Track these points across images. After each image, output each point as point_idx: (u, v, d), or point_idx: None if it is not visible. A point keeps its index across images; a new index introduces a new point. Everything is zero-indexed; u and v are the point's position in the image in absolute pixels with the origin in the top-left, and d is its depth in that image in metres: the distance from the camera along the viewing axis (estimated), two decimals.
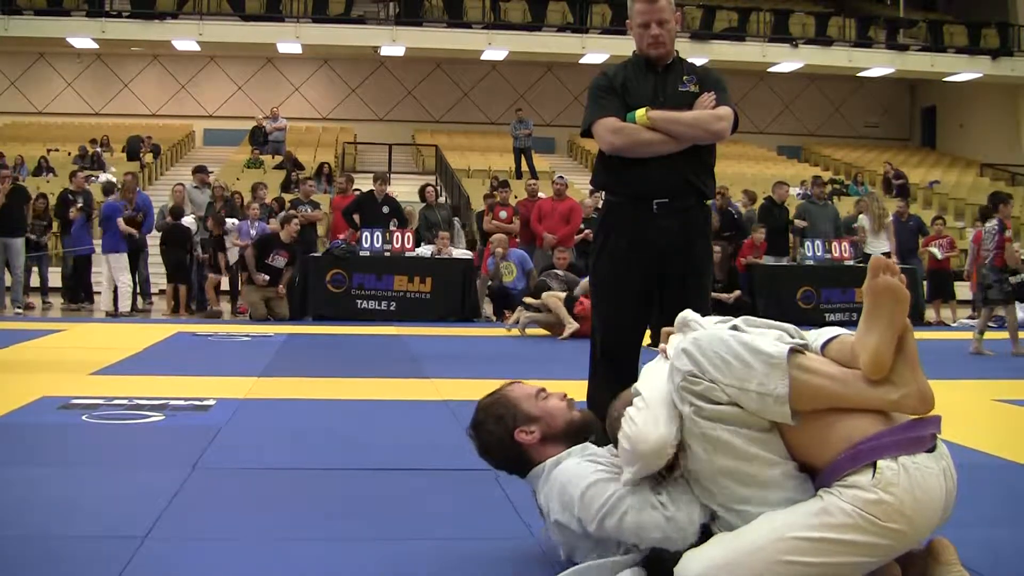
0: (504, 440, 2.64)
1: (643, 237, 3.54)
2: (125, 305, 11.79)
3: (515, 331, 9.96)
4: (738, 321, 2.49)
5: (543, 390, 2.71)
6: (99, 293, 12.77)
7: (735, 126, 3.60)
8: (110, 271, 11.92)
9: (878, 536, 2.15)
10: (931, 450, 2.23)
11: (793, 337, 2.41)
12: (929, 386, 2.25)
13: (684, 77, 3.62)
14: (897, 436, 2.20)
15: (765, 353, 2.25)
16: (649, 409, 2.32)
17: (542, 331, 9.93)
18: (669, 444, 2.28)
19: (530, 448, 2.62)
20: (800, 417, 2.23)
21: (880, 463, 2.16)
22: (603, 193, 3.83)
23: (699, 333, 2.35)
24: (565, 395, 2.73)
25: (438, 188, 21.20)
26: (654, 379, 2.42)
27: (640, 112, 3.47)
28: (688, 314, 2.55)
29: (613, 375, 3.57)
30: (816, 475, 2.26)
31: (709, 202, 3.77)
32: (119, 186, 12.88)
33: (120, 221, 11.82)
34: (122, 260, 11.88)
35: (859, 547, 2.16)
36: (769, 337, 2.34)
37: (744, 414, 2.24)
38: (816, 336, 2.43)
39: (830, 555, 2.16)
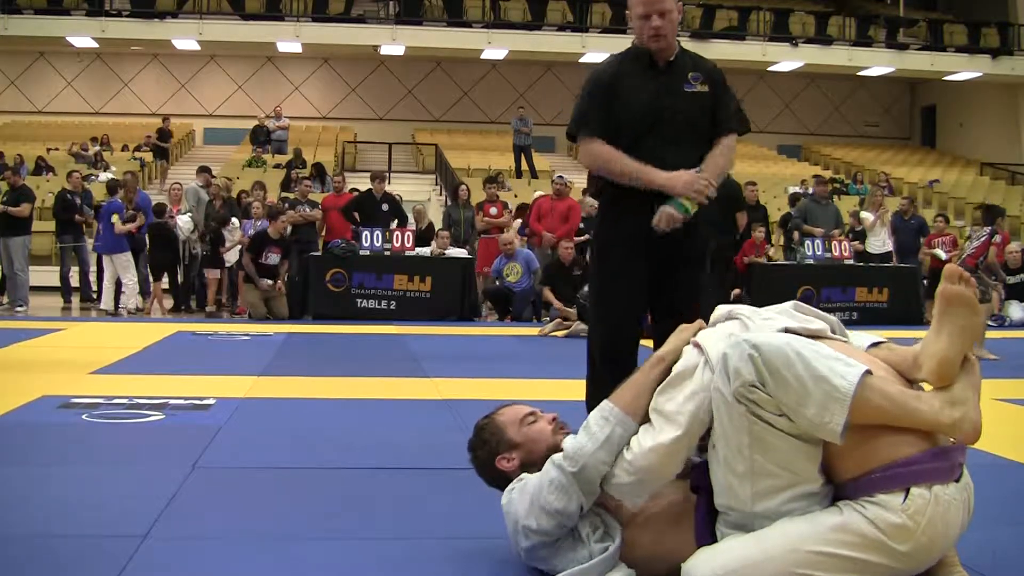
0: (488, 465, 2.67)
1: (642, 240, 3.47)
2: (131, 303, 11.86)
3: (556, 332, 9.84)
4: (788, 306, 2.45)
5: (532, 413, 2.67)
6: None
7: (745, 123, 3.58)
8: (113, 270, 11.96)
9: (890, 559, 2.14)
10: (957, 479, 2.21)
11: (835, 332, 2.39)
12: (981, 418, 2.19)
13: (690, 75, 3.48)
14: (934, 463, 2.16)
15: (829, 384, 2.12)
16: (656, 431, 2.29)
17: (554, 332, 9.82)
18: (676, 461, 2.28)
19: (511, 475, 2.62)
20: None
21: (914, 490, 2.13)
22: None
23: (761, 339, 2.20)
24: (555, 417, 2.68)
25: (438, 189, 21.26)
26: (674, 394, 2.33)
27: (689, 205, 3.40)
28: (729, 307, 2.49)
29: (611, 376, 3.53)
30: (839, 484, 2.22)
31: None
32: (123, 184, 12.91)
33: (117, 221, 11.84)
34: (126, 259, 11.92)
35: (871, 567, 2.14)
36: (830, 352, 2.21)
37: (794, 427, 2.16)
38: (859, 340, 2.39)
39: (842, 571, 2.14)
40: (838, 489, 2.22)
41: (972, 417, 2.17)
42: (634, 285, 3.53)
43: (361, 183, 15.21)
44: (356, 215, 12.10)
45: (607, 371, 3.54)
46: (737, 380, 2.16)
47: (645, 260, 3.50)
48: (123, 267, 11.92)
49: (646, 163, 3.42)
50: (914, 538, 2.12)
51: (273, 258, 11.20)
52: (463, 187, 13.63)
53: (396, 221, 12.07)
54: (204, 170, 13.76)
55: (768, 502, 2.20)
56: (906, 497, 2.12)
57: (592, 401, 3.60)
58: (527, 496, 2.43)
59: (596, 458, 2.31)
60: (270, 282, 11.12)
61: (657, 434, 2.28)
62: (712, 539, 2.32)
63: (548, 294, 10.40)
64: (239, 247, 12.04)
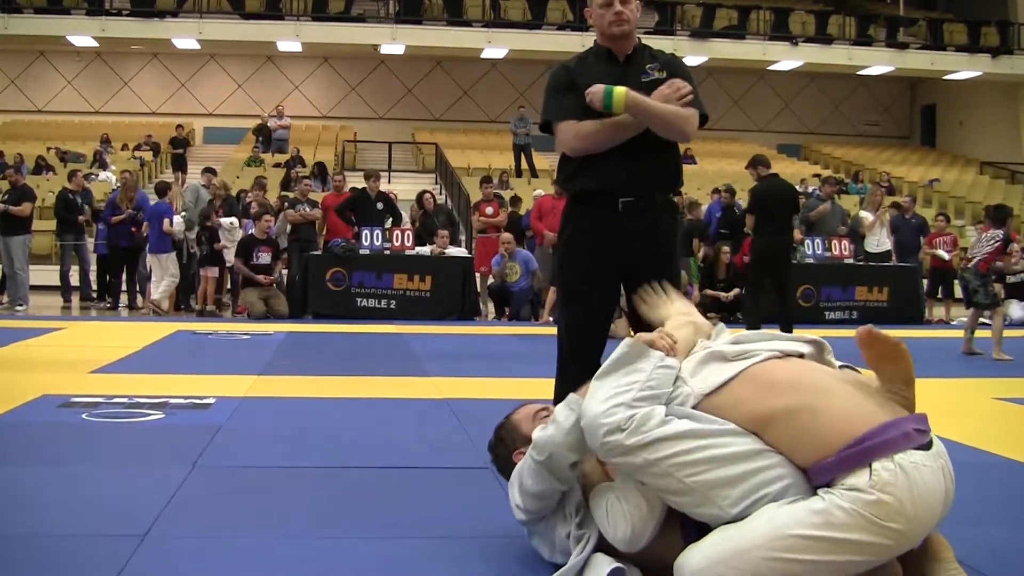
0: (507, 461, 2.76)
1: (609, 237, 3.44)
2: (142, 301, 12.00)
3: None
4: (732, 337, 2.54)
5: (545, 408, 2.78)
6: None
7: (702, 123, 3.49)
8: (160, 270, 12.04)
9: (879, 536, 2.14)
10: (927, 447, 2.22)
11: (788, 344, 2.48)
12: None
13: (647, 66, 3.48)
14: (884, 435, 2.18)
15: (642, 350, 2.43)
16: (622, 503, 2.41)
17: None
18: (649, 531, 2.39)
19: None
20: None
21: (875, 464, 2.15)
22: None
23: (584, 404, 2.42)
24: None
25: (438, 188, 21.25)
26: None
27: (620, 90, 3.29)
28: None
29: (580, 374, 3.50)
30: (806, 471, 2.26)
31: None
32: (169, 186, 12.98)
33: (166, 222, 11.88)
34: (165, 259, 12.02)
35: (859, 546, 2.15)
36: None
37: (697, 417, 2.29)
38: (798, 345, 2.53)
39: (830, 553, 2.15)
40: (808, 475, 2.25)
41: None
42: (600, 284, 3.51)
43: (361, 182, 15.21)
44: (351, 215, 12.10)
45: (575, 368, 3.51)
46: (611, 439, 2.29)
47: (611, 258, 3.46)
48: (162, 267, 12.00)
49: (605, 154, 3.41)
50: (896, 510, 2.13)
51: (264, 257, 11.25)
52: (427, 194, 13.59)
53: (391, 220, 12.05)
54: (208, 171, 13.79)
55: (738, 500, 2.24)
56: (870, 473, 2.14)
57: (560, 398, 3.58)
58: (516, 477, 2.60)
59: (561, 446, 2.45)
60: (271, 276, 11.24)
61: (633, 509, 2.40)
62: (699, 537, 2.33)
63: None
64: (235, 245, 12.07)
